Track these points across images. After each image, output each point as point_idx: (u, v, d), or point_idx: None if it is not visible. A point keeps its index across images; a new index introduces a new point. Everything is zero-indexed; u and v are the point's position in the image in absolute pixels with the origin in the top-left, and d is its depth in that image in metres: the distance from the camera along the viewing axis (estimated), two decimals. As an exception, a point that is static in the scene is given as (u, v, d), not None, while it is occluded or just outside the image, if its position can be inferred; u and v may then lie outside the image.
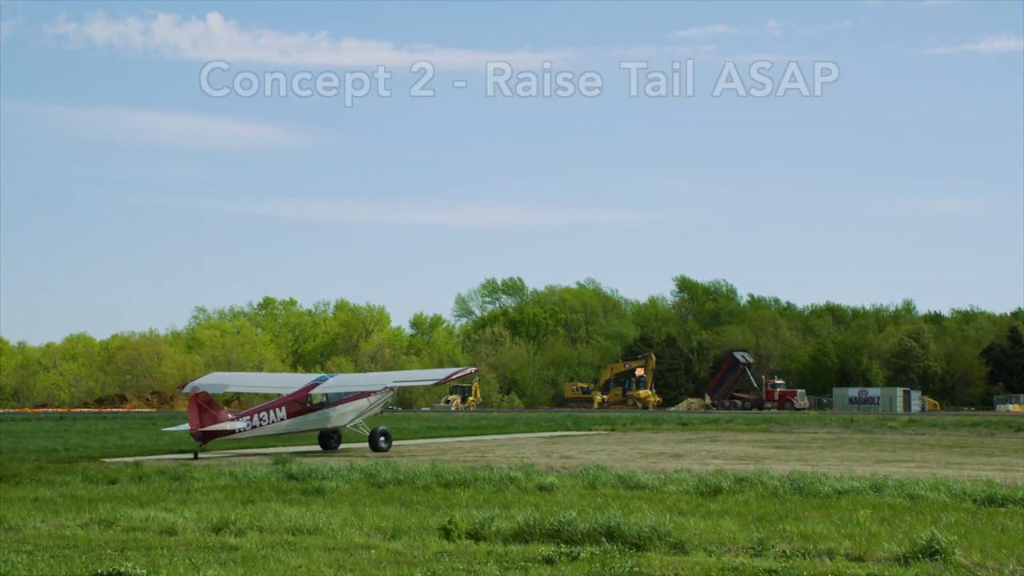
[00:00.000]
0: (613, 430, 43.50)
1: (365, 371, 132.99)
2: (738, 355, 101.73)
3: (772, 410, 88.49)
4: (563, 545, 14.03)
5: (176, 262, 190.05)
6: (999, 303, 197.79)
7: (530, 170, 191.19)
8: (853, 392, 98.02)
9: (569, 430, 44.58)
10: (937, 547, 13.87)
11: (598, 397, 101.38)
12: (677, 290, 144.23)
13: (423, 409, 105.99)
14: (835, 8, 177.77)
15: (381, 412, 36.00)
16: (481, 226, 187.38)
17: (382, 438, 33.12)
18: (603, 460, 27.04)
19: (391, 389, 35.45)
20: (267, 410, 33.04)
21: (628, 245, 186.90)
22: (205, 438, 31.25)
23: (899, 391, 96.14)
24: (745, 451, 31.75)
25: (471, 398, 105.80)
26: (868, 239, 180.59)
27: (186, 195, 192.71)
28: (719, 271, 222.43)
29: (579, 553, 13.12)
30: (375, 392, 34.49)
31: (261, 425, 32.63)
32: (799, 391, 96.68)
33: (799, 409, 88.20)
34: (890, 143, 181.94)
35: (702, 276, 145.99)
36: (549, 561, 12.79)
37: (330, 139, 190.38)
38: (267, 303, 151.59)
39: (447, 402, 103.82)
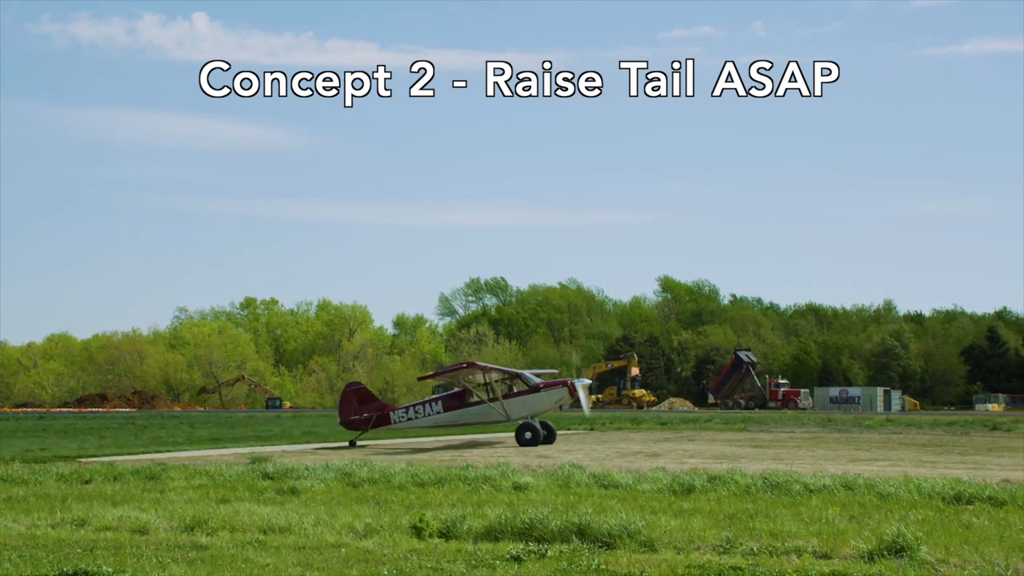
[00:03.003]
0: (592, 430, 43.65)
1: (349, 371, 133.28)
2: (742, 355, 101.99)
3: (776, 410, 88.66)
4: (533, 543, 14.11)
5: (159, 262, 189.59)
6: (981, 303, 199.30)
7: (514, 171, 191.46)
8: (834, 392, 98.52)
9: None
10: (903, 544, 14.00)
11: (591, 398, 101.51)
12: (660, 290, 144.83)
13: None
14: (823, 9, 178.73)
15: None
16: (465, 226, 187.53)
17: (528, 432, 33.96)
18: (580, 459, 27.12)
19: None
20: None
21: (612, 245, 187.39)
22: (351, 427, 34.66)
23: (880, 391, 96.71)
24: (722, 450, 31.91)
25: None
26: (851, 240, 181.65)
27: (169, 195, 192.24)
28: (702, 271, 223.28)
29: (547, 551, 13.20)
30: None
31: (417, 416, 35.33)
32: (803, 391, 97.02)
33: (802, 409, 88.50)
34: (874, 145, 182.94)
35: (685, 276, 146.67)
36: (517, 559, 12.86)
37: (313, 140, 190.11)
38: (249, 303, 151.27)
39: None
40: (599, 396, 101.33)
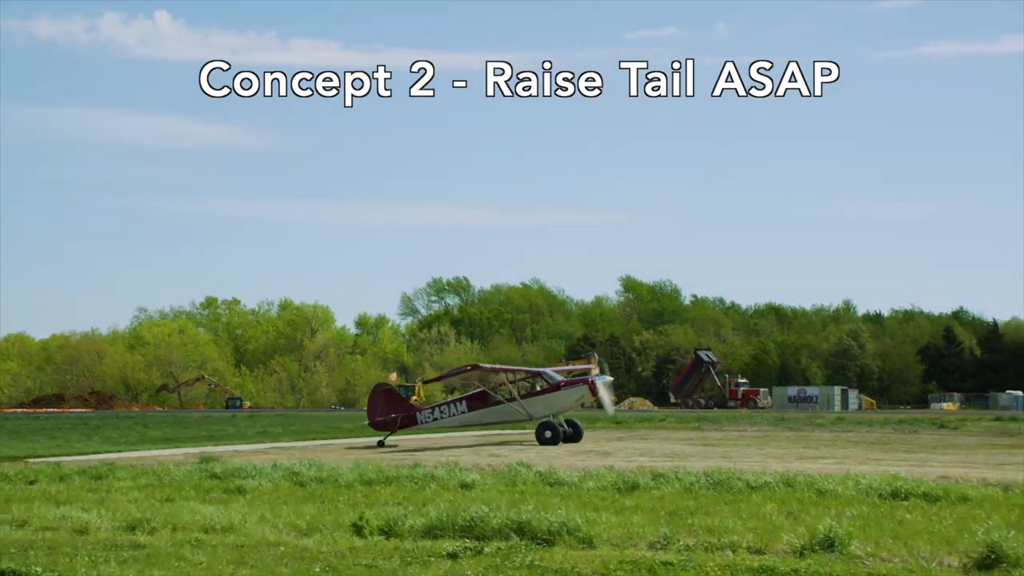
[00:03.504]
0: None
1: (310, 371, 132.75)
2: (702, 354, 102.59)
3: (735, 409, 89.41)
4: (474, 541, 14.25)
5: (119, 262, 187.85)
6: (939, 303, 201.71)
7: (476, 170, 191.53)
8: (792, 391, 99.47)
9: (505, 428, 44.86)
10: (834, 539, 14.27)
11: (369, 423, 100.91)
12: (622, 290, 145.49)
13: (363, 409, 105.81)
14: (786, 11, 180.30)
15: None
16: (427, 225, 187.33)
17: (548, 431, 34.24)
18: (531, 458, 27.29)
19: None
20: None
21: (575, 245, 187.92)
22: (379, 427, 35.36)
23: (837, 390, 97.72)
24: (672, 448, 32.22)
25: (414, 397, 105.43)
26: (813, 240, 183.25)
27: (130, 194, 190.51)
28: (665, 272, 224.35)
29: (483, 548, 13.34)
30: None
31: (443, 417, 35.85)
32: (762, 390, 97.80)
33: (761, 408, 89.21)
34: (834, 146, 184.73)
35: (648, 276, 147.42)
36: (453, 556, 12.99)
37: (275, 139, 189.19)
38: (210, 303, 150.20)
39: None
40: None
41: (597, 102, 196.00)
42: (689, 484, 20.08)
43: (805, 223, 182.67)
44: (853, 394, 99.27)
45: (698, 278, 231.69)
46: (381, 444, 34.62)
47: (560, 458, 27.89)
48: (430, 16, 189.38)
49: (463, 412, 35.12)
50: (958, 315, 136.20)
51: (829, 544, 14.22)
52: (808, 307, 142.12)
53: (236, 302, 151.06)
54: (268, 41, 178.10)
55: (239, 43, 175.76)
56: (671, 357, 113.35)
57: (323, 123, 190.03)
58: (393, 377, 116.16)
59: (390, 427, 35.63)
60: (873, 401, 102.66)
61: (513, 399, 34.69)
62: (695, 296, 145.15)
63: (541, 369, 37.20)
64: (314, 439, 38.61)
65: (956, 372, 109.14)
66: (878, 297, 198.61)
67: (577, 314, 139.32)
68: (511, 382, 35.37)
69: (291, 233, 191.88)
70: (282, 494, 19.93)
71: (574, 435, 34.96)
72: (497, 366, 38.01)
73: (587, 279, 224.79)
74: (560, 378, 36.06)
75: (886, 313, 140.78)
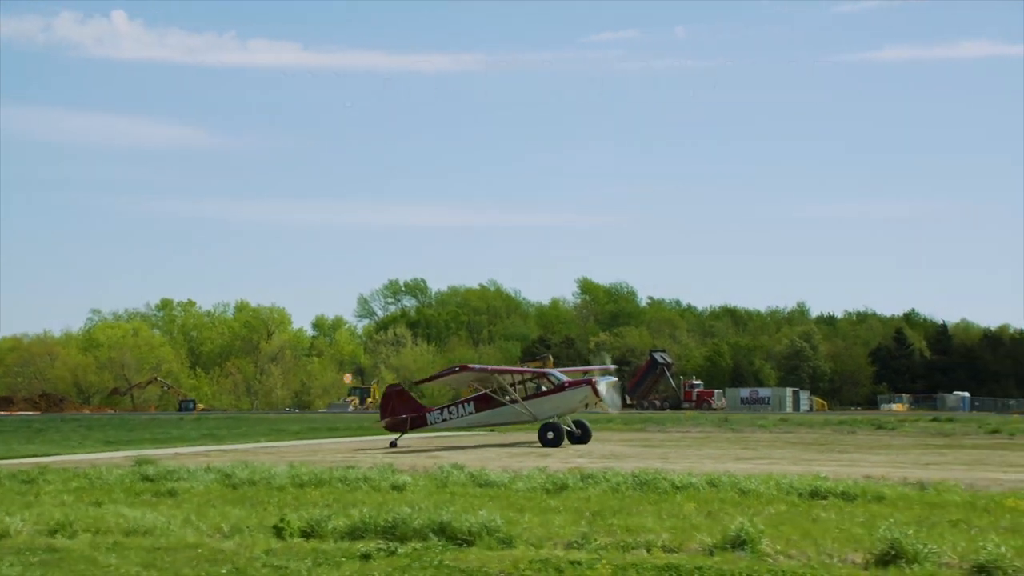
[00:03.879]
0: (493, 430, 44.09)
1: (265, 373, 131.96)
2: (657, 356, 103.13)
3: (690, 410, 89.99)
4: (393, 542, 14.40)
5: (72, 262, 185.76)
6: (892, 305, 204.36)
7: (434, 171, 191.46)
8: (745, 392, 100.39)
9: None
10: (745, 537, 14.59)
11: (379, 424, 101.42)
12: (579, 292, 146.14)
13: (320, 410, 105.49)
14: (740, 14, 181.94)
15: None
16: (384, 227, 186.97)
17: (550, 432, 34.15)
18: (468, 459, 27.48)
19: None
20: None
21: (533, 247, 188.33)
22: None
23: (789, 391, 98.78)
24: (612, 450, 32.51)
25: (369, 399, 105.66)
26: (770, 242, 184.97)
27: (84, 194, 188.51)
28: (623, 274, 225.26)
29: (397, 549, 13.50)
30: None
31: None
32: (716, 392, 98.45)
33: (715, 409, 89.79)
34: (789, 148, 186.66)
35: (605, 278, 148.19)
36: (366, 557, 13.13)
37: (232, 139, 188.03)
38: (165, 304, 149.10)
39: (345, 403, 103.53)
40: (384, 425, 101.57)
41: (554, 103, 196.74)
42: (616, 484, 20.35)
43: (762, 225, 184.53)
44: (804, 395, 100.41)
45: (656, 280, 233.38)
46: (393, 445, 35.09)
47: (500, 459, 28.11)
48: (391, 18, 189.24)
49: (471, 413, 35.62)
50: (910, 317, 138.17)
51: (740, 543, 14.55)
52: (763, 309, 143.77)
53: (192, 304, 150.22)
54: (227, 42, 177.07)
55: (197, 43, 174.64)
56: (626, 359, 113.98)
57: (280, 123, 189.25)
58: (348, 379, 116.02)
59: (400, 427, 36.22)
60: (824, 402, 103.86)
61: (515, 400, 34.91)
62: (651, 298, 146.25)
63: (547, 370, 37.22)
64: (257, 441, 38.51)
65: (906, 374, 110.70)
66: (833, 299, 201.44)
67: (534, 316, 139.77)
68: (515, 383, 35.58)
69: (249, 234, 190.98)
70: (213, 496, 19.95)
71: (582, 436, 35.10)
72: (490, 367, 37.98)
73: (545, 281, 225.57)
74: (565, 379, 36.22)
75: (840, 315, 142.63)
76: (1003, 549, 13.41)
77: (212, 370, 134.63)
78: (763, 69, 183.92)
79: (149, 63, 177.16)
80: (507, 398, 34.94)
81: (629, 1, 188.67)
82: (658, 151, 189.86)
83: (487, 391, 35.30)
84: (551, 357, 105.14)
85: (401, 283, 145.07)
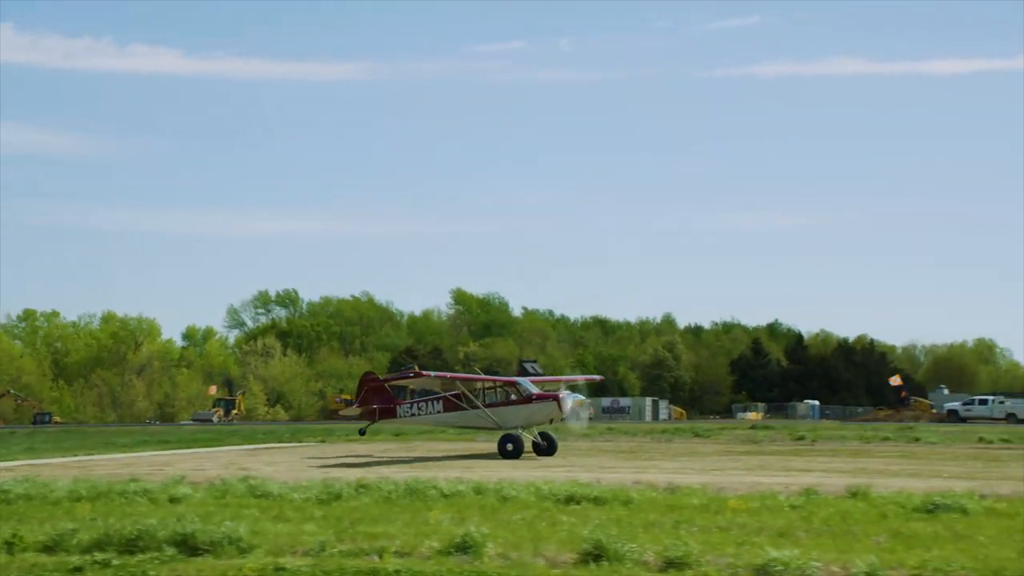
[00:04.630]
0: (324, 441, 44.61)
1: (129, 385, 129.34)
2: (528, 366, 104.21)
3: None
4: (137, 553, 14.90)
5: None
6: (757, 316, 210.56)
7: (306, 180, 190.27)
8: (607, 402, 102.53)
9: (283, 442, 45.35)
10: (470, 542, 15.54)
11: (342, 412, 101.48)
12: (453, 302, 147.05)
13: (183, 422, 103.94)
14: (625, 28, 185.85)
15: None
16: (259, 236, 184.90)
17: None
18: (276, 471, 27.93)
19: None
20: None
21: (408, 257, 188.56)
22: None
23: (648, 400, 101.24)
24: (425, 460, 33.28)
25: (235, 411, 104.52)
26: (639, 253, 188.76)
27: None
28: (496, 284, 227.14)
29: (112, 560, 13.98)
30: None
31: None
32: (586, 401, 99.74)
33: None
34: (670, 160, 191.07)
35: (481, 289, 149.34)
36: (78, 569, 13.58)
37: (99, 145, 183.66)
38: (28, 315, 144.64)
39: (210, 414, 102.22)
40: (348, 413, 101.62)
41: (434, 113, 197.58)
42: (388, 493, 21.11)
43: (633, 236, 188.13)
44: (664, 404, 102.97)
45: (531, 291, 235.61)
46: (362, 433, 37.39)
47: (299, 470, 28.61)
48: (274, 26, 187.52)
49: (439, 412, 36.01)
50: (773, 327, 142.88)
51: (466, 547, 15.48)
52: (634, 320, 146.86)
53: (56, 314, 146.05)
54: (104, 46, 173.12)
55: (74, 48, 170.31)
56: (494, 369, 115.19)
57: (152, 130, 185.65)
58: (213, 390, 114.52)
59: (370, 417, 37.10)
60: (683, 411, 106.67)
61: (477, 407, 35.07)
62: (525, 308, 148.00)
63: (517, 379, 37.25)
64: (76, 455, 38.10)
65: (764, 383, 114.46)
66: (702, 310, 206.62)
67: (407, 326, 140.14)
68: (482, 389, 35.66)
69: (117, 244, 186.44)
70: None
71: (548, 448, 34.98)
72: (447, 374, 38.14)
73: (420, 292, 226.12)
74: (535, 390, 35.92)
75: (707, 325, 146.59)
76: (691, 545, 14.68)
77: (76, 382, 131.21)
78: (645, 82, 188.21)
79: (22, 67, 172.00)
80: (465, 403, 35.23)
81: (514, 13, 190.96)
82: (540, 162, 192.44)
83: (449, 395, 35.64)
84: (417, 367, 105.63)
85: (272, 293, 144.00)
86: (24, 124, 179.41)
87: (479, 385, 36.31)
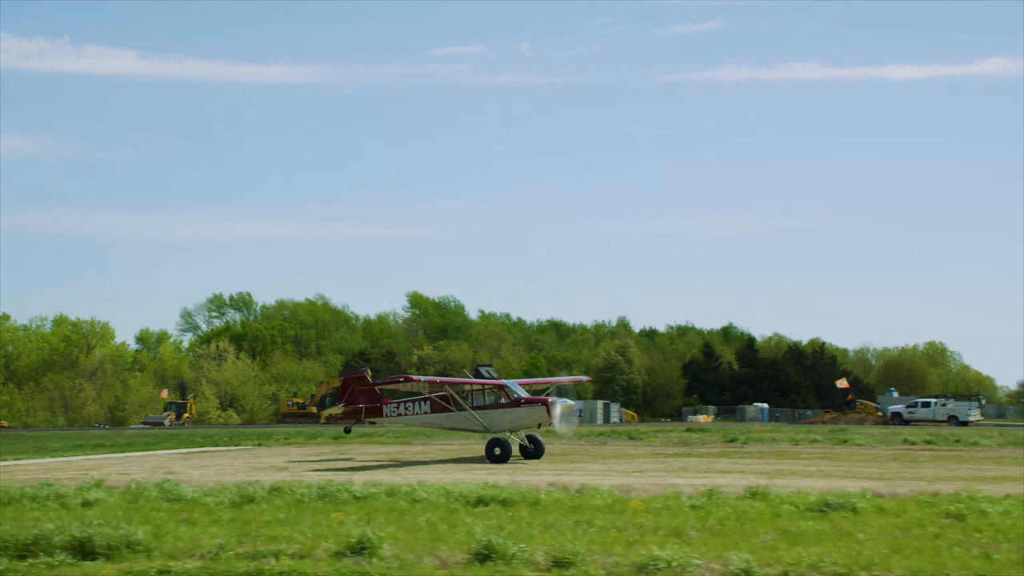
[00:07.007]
0: (260, 445, 44.59)
1: (80, 389, 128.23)
2: (483, 370, 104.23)
3: None
4: (29, 558, 15.07)
5: None
6: (711, 319, 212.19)
7: (262, 183, 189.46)
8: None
9: (220, 446, 45.34)
10: (366, 544, 15.80)
11: (325, 412, 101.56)
12: (409, 306, 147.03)
13: (133, 426, 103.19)
14: (585, 32, 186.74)
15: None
16: (212, 240, 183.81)
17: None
18: (204, 475, 28.01)
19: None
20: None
21: (364, 260, 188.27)
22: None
23: (600, 403, 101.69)
24: (363, 464, 33.42)
25: (186, 414, 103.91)
26: (596, 257, 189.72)
27: None
28: (453, 288, 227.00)
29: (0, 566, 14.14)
30: None
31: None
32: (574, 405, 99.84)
33: None
34: (621, 163, 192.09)
35: (437, 292, 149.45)
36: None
37: (53, 147, 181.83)
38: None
39: (162, 417, 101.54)
40: (333, 412, 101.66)
41: (393, 115, 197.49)
42: (300, 496, 21.30)
43: (590, 240, 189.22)
44: (615, 407, 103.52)
45: (490, 295, 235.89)
46: (347, 431, 37.60)
47: (226, 474, 28.69)
48: (233, 27, 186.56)
49: (426, 412, 35.73)
50: (727, 331, 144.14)
51: (361, 548, 15.75)
52: (590, 323, 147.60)
53: (7, 318, 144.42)
54: (61, 47, 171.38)
55: (29, 49, 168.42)
56: (448, 372, 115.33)
57: (101, 133, 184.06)
58: (165, 394, 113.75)
59: (355, 416, 36.75)
60: (635, 414, 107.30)
61: (464, 409, 34.88)
62: (482, 312, 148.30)
63: (506, 382, 36.78)
64: (5, 459, 37.93)
65: (715, 386, 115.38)
66: (657, 314, 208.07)
67: (362, 330, 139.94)
68: (470, 392, 35.46)
69: (69, 247, 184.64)
70: None
71: (535, 451, 34.97)
72: (439, 378, 37.54)
73: (376, 295, 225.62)
74: (524, 393, 35.61)
75: (662, 329, 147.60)
76: (580, 545, 15.05)
77: (27, 385, 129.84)
78: (602, 87, 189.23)
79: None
80: (452, 405, 35.09)
81: (474, 16, 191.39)
82: (494, 167, 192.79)
83: (436, 396, 35.49)
84: (369, 371, 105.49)
85: (226, 296, 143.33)
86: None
87: (467, 387, 35.95)
